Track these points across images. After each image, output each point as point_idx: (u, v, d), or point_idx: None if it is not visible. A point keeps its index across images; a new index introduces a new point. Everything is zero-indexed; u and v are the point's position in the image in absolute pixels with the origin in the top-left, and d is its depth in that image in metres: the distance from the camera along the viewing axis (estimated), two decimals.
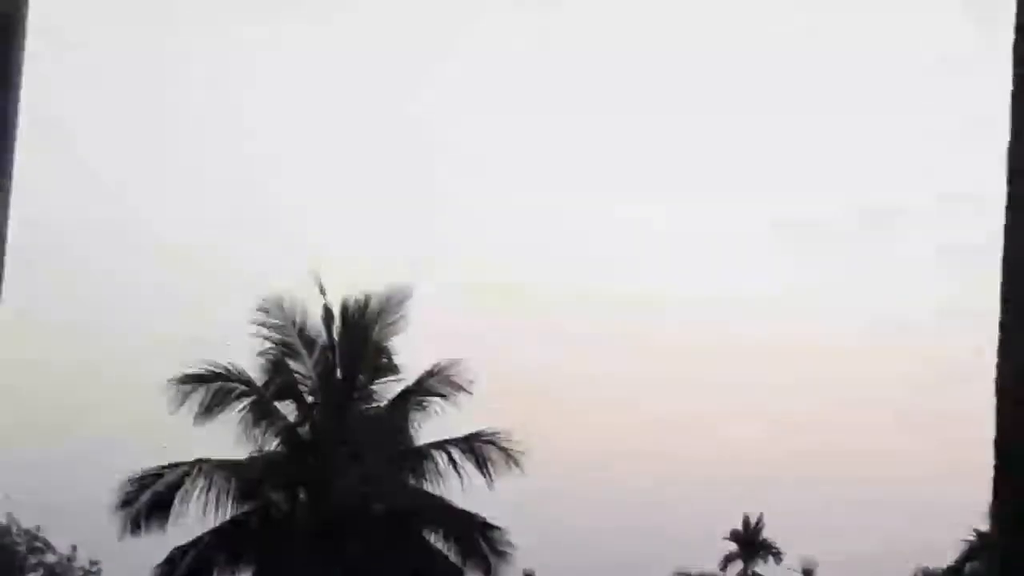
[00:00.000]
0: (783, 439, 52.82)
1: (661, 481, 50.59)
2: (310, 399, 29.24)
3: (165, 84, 54.46)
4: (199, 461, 28.50)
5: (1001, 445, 15.37)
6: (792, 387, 54.99)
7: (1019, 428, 15.27)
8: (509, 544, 28.50)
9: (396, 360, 29.33)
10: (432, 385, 29.02)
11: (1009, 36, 15.55)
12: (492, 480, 28.44)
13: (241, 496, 28.37)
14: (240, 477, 28.37)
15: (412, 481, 28.56)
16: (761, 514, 50.27)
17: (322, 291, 29.18)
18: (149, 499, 28.20)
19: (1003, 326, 15.39)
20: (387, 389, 29.32)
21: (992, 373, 15.41)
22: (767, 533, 49.63)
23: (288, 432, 28.92)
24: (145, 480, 28.44)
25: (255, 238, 52.17)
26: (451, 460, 28.42)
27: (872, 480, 52.31)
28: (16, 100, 4.52)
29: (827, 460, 53.34)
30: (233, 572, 28.48)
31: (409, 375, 29.21)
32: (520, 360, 48.54)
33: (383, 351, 29.42)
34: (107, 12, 52.97)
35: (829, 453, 53.61)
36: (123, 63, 54.10)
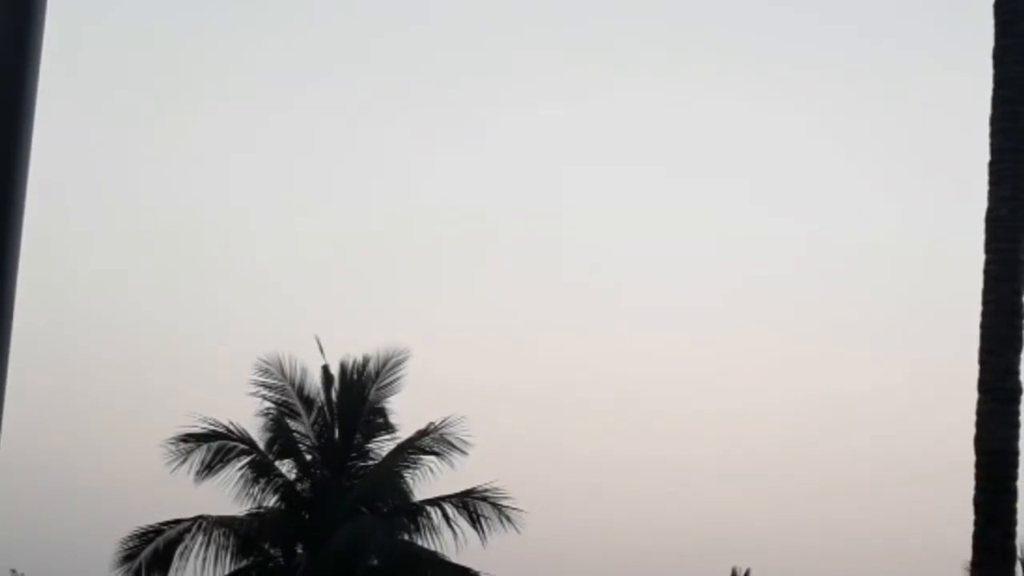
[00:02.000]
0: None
1: (650, 530, 50.33)
2: (309, 457, 29.40)
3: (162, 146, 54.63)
4: (199, 518, 28.57)
5: (983, 443, 15.51)
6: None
7: (1000, 427, 15.40)
8: None
9: (393, 419, 29.54)
10: (426, 444, 29.16)
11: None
12: (485, 537, 28.52)
13: (240, 551, 28.43)
14: (239, 533, 28.43)
15: (407, 536, 28.65)
16: (748, 570, 49.94)
17: (321, 352, 29.48)
18: (149, 555, 28.22)
19: (984, 327, 15.62)
20: (383, 448, 29.51)
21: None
22: None
23: (287, 489, 29.06)
24: (146, 536, 28.50)
25: (255, 298, 52.16)
26: (445, 516, 28.54)
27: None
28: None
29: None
30: None
31: (405, 433, 29.43)
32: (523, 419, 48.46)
33: (380, 411, 29.62)
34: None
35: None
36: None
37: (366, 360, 29.58)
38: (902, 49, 55.53)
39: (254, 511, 28.86)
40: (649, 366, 52.68)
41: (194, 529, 28.34)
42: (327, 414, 29.40)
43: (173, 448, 28.75)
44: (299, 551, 28.83)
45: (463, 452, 29.22)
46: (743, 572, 49.03)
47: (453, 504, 28.69)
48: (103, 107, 52.71)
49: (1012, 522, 15.42)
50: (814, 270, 56.38)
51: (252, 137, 54.43)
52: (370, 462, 29.45)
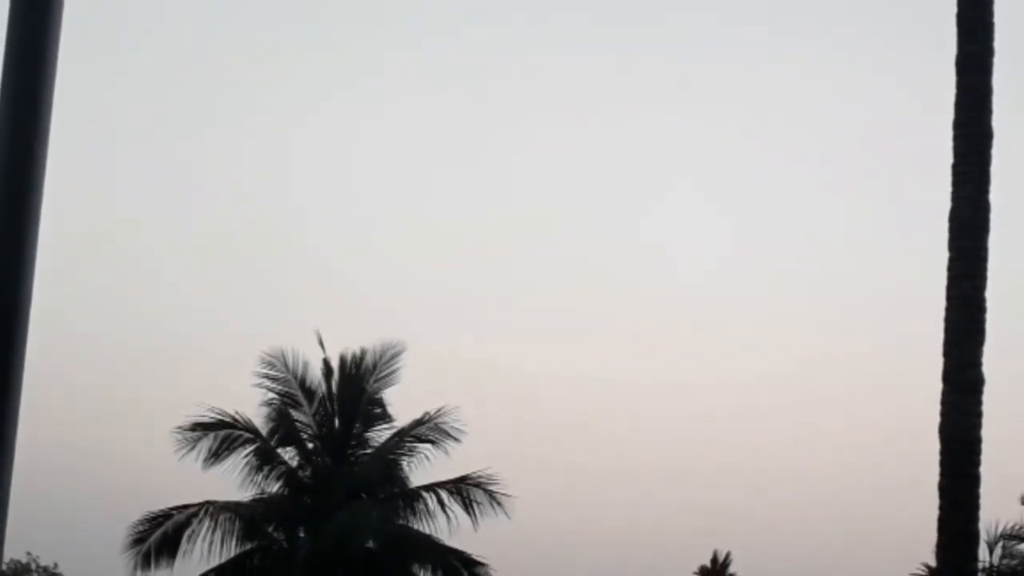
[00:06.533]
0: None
1: (634, 513, 50.40)
2: (310, 445, 29.49)
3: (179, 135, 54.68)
4: (206, 503, 28.64)
5: (946, 431, 15.55)
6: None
7: (963, 416, 15.44)
8: None
9: (390, 409, 29.67)
10: (422, 432, 29.26)
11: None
12: (477, 521, 28.63)
13: (245, 535, 28.49)
14: (244, 517, 28.50)
15: (403, 520, 28.73)
16: (729, 552, 49.98)
17: (322, 345, 29.60)
18: (159, 538, 28.29)
19: (948, 321, 15.67)
20: (381, 436, 29.61)
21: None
22: (735, 568, 49.52)
23: (289, 476, 29.13)
24: (155, 520, 28.58)
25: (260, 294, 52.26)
26: (440, 501, 28.64)
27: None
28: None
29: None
30: None
31: (402, 422, 29.54)
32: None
33: (377, 402, 29.73)
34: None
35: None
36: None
37: (364, 353, 29.69)
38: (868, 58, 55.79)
39: (258, 496, 28.95)
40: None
41: (201, 514, 28.40)
42: (328, 404, 29.49)
43: (182, 436, 28.87)
44: (301, 534, 28.89)
45: (457, 440, 29.33)
46: (723, 555, 49.08)
47: (447, 490, 28.79)
48: (132, 110, 52.76)
49: (975, 506, 15.45)
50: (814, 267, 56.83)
51: (263, 145, 54.49)
52: (368, 450, 29.56)
